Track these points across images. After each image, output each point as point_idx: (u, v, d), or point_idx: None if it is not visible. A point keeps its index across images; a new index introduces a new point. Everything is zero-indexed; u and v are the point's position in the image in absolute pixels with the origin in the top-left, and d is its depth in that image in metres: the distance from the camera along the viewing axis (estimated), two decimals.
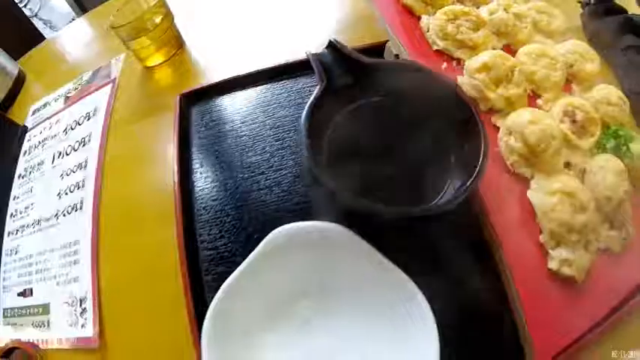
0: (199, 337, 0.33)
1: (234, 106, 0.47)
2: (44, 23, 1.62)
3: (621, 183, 0.42)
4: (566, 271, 0.37)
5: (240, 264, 0.31)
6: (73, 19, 1.29)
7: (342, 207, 0.31)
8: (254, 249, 0.31)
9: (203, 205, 0.40)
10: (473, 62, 0.46)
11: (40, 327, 0.48)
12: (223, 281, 0.34)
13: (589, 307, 0.38)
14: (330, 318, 0.32)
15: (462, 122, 0.37)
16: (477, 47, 0.49)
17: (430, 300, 0.30)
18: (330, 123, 0.36)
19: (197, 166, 0.43)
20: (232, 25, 0.62)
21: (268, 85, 0.48)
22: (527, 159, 0.42)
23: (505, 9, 0.53)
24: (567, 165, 0.44)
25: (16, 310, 0.51)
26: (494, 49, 0.50)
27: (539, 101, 0.47)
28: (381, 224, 0.32)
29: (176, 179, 0.40)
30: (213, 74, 0.53)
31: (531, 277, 0.37)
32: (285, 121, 0.44)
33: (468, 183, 0.32)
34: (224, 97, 0.48)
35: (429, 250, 0.34)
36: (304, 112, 0.33)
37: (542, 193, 0.41)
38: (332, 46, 0.38)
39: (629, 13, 0.66)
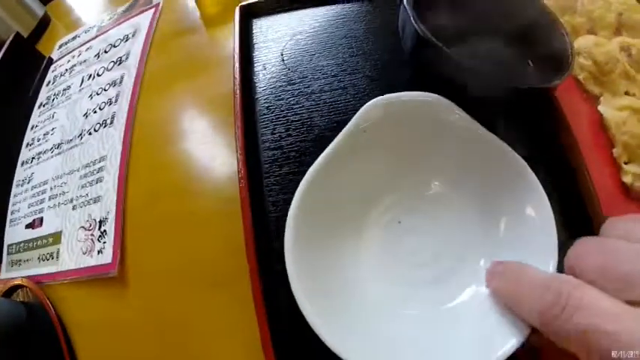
0: (256, 251, 0.27)
1: (301, 19, 0.41)
2: None
3: None
4: (638, 184, 0.38)
5: (310, 164, 0.24)
6: None
7: (455, 72, 0.25)
8: (327, 147, 0.25)
9: (267, 105, 0.33)
10: None
11: (49, 259, 0.41)
12: (289, 183, 0.28)
13: None
14: (429, 208, 0.26)
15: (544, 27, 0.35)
16: None
17: None
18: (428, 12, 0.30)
19: (260, 68, 0.36)
20: None
21: (337, 5, 0.43)
22: (595, 77, 0.45)
23: None
24: (627, 94, 0.46)
25: (22, 245, 0.44)
26: None
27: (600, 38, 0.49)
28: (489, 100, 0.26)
29: (238, 77, 0.34)
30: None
31: (609, 187, 0.37)
32: (357, 33, 0.39)
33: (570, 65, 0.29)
34: (288, 11, 0.42)
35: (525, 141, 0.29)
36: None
37: (612, 108, 0.43)
38: None
39: None
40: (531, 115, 0.35)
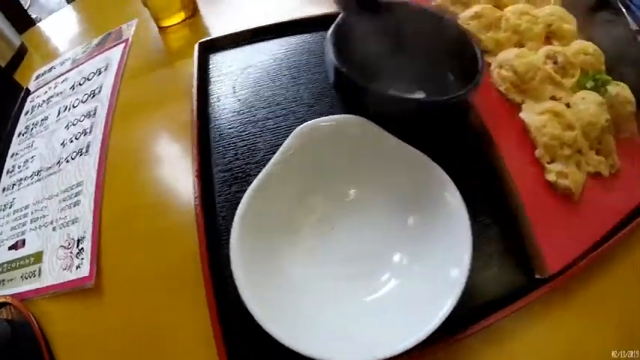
0: (209, 262, 0.32)
1: (251, 53, 0.47)
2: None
3: (602, 112, 0.47)
4: (563, 182, 0.41)
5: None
6: None
7: (371, 101, 0.31)
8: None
9: (219, 133, 0.39)
10: (466, 12, 0.53)
11: (31, 277, 0.45)
12: (237, 200, 0.33)
13: (590, 223, 0.41)
14: (358, 213, 0.32)
15: (459, 44, 0.41)
16: (470, 3, 0.56)
17: None
18: (350, 42, 0.36)
19: (214, 100, 0.42)
20: None
21: (283, 38, 0.49)
22: (517, 86, 0.48)
23: None
24: (553, 98, 0.49)
25: (5, 266, 0.48)
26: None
27: (523, 49, 0.52)
28: (400, 117, 0.32)
29: (195, 109, 0.40)
30: None
31: (533, 189, 0.40)
32: (299, 64, 0.45)
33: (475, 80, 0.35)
34: (241, 46, 0.48)
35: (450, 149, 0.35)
36: (330, 30, 0.34)
37: (533, 113, 0.46)
38: None
39: None
40: (455, 126, 0.41)
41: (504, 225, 0.39)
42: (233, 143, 0.38)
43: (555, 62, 0.52)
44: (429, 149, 0.33)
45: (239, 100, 0.42)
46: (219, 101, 0.42)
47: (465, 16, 0.53)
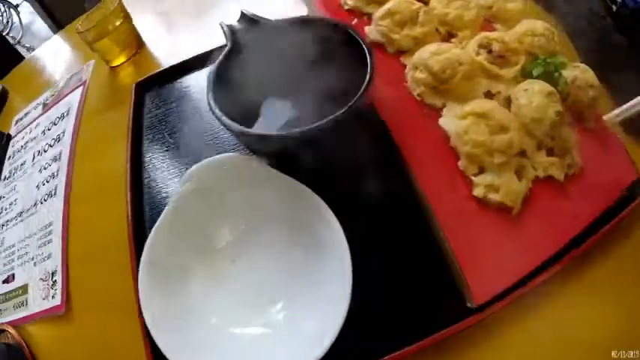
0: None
1: (180, 87, 0.53)
2: (27, 50, 1.72)
3: (551, 104, 0.40)
4: (493, 197, 0.35)
5: None
6: None
7: (249, 141, 0.35)
8: None
9: (152, 171, 0.45)
10: (378, 11, 0.47)
11: (20, 306, 0.53)
12: None
13: (531, 243, 0.35)
14: (253, 247, 0.35)
15: (356, 55, 0.38)
16: (386, 0, 0.48)
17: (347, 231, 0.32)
18: (240, 83, 0.38)
19: (148, 139, 0.48)
20: (186, 21, 0.68)
21: (202, 70, 0.54)
22: (434, 88, 0.42)
23: None
24: (489, 94, 0.43)
25: (1, 297, 0.56)
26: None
27: (453, 40, 0.47)
28: (285, 150, 0.34)
29: (128, 155, 0.45)
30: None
31: (455, 208, 0.35)
32: None
33: (343, 109, 0.32)
34: (176, 80, 0.54)
35: (342, 179, 0.37)
36: (210, 70, 0.37)
37: (454, 117, 0.40)
38: (242, 15, 0.42)
39: None
40: (363, 146, 0.38)
41: (430, 251, 0.36)
42: (167, 178, 0.44)
43: (490, 51, 0.45)
44: (332, 177, 0.35)
45: (172, 134, 0.47)
46: (153, 140, 0.48)
47: (376, 17, 0.47)
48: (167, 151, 0.46)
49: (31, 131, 0.68)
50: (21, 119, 0.73)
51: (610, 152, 0.43)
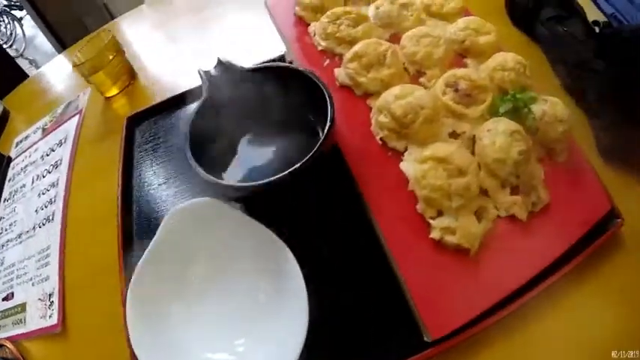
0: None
1: (169, 121, 0.57)
2: (29, 62, 1.77)
3: (514, 143, 0.40)
4: (450, 239, 0.36)
5: None
6: None
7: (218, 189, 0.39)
8: None
9: (141, 202, 0.49)
10: (347, 54, 0.48)
11: (19, 323, 0.57)
12: None
13: (488, 281, 0.36)
14: (225, 286, 0.39)
15: (321, 102, 0.41)
16: (357, 41, 0.50)
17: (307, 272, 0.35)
18: (216, 126, 0.43)
19: (137, 173, 0.53)
20: (176, 54, 0.73)
21: (188, 105, 0.58)
22: (397, 132, 0.42)
23: (391, 2, 0.54)
24: (454, 134, 0.44)
25: (0, 314, 0.61)
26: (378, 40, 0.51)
27: (422, 79, 0.48)
28: (253, 196, 0.38)
29: (120, 185, 0.50)
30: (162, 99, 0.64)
31: (413, 250, 0.37)
32: None
33: (306, 157, 0.36)
34: (161, 115, 0.58)
35: (302, 221, 0.41)
36: (188, 120, 0.41)
37: (414, 162, 0.40)
38: (219, 62, 0.46)
39: None
40: (325, 189, 0.42)
41: (391, 289, 0.38)
42: (154, 210, 0.48)
43: (456, 90, 0.45)
44: (297, 218, 0.40)
45: (160, 167, 0.52)
46: (140, 175, 0.52)
47: (345, 59, 0.49)
48: (155, 184, 0.50)
49: (30, 155, 0.72)
50: (21, 142, 0.78)
51: (582, 185, 0.43)
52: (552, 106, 0.44)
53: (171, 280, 0.39)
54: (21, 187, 0.69)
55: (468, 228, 0.37)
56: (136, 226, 0.48)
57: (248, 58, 0.56)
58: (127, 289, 0.38)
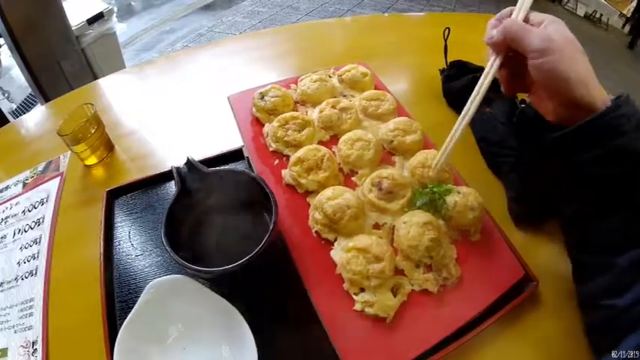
0: None
1: (148, 197, 0.68)
2: (2, 93, 1.74)
3: (426, 232, 0.48)
4: (369, 310, 0.45)
5: None
6: (31, 94, 1.46)
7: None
8: None
9: (118, 272, 0.60)
10: (291, 158, 0.58)
11: None
12: None
13: (403, 344, 0.44)
14: (196, 345, 0.50)
15: (266, 201, 0.50)
16: (301, 144, 0.60)
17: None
18: (186, 214, 0.53)
19: (116, 243, 0.63)
20: (151, 132, 0.84)
21: (169, 183, 0.70)
22: (328, 226, 0.51)
23: (333, 106, 0.65)
24: (377, 226, 0.52)
25: None
26: (320, 141, 0.63)
27: (353, 178, 0.58)
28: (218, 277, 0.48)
29: (101, 253, 0.60)
30: (137, 171, 0.74)
31: (341, 319, 0.45)
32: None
33: (252, 253, 0.45)
34: (139, 191, 0.69)
35: (253, 297, 0.52)
36: (164, 212, 0.51)
37: (341, 251, 0.49)
38: (188, 161, 0.55)
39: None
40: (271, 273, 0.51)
41: (323, 350, 0.45)
42: (126, 281, 0.59)
43: (380, 189, 0.53)
44: (250, 293, 0.49)
45: (137, 240, 0.62)
46: (120, 244, 0.63)
47: (290, 163, 0.57)
48: (132, 255, 0.61)
49: (11, 207, 0.79)
50: (1, 191, 0.84)
51: (495, 257, 0.51)
52: (465, 196, 0.52)
53: (152, 340, 0.49)
54: (2, 238, 0.76)
55: (384, 302, 0.45)
56: (116, 288, 0.58)
57: (214, 146, 0.68)
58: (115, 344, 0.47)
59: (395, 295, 0.47)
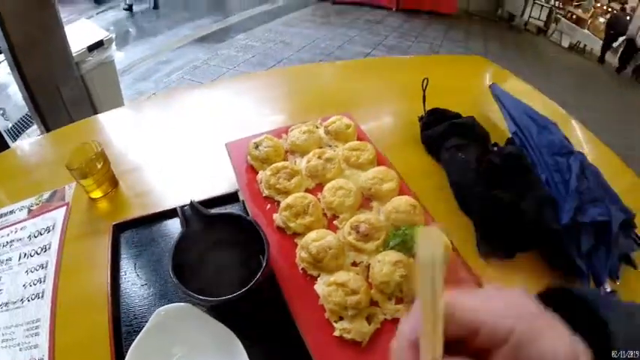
0: None
1: (151, 232, 0.77)
2: None
3: (397, 270, 0.54)
4: (347, 336, 0.50)
5: None
6: (27, 115, 1.50)
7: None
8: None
9: (126, 302, 0.68)
10: (281, 204, 0.65)
11: None
12: None
13: None
14: None
15: (261, 242, 0.57)
16: (290, 192, 0.66)
17: None
18: (190, 251, 0.59)
19: (122, 273, 0.71)
20: (154, 170, 0.92)
21: (170, 220, 0.79)
22: (313, 264, 0.57)
23: (319, 156, 0.72)
24: (355, 264, 0.58)
25: None
26: (307, 188, 0.70)
27: (335, 222, 0.65)
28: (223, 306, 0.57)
29: (109, 282, 0.68)
30: (139, 207, 0.82)
31: (323, 342, 0.51)
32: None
33: (248, 286, 0.52)
34: (143, 226, 0.78)
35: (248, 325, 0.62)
36: (171, 248, 0.57)
37: (323, 285, 0.55)
38: (191, 203, 0.61)
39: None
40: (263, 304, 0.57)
41: None
42: (132, 309, 0.67)
43: (358, 232, 0.60)
44: (245, 319, 0.57)
45: (142, 270, 0.71)
46: (126, 274, 0.71)
47: (281, 208, 0.64)
48: (138, 284, 0.69)
49: (16, 231, 0.85)
50: (5, 215, 0.90)
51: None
52: None
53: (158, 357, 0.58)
54: (7, 260, 0.81)
55: (359, 329, 0.51)
56: (122, 314, 0.66)
57: (211, 184, 0.77)
58: None
59: (369, 323, 0.53)
